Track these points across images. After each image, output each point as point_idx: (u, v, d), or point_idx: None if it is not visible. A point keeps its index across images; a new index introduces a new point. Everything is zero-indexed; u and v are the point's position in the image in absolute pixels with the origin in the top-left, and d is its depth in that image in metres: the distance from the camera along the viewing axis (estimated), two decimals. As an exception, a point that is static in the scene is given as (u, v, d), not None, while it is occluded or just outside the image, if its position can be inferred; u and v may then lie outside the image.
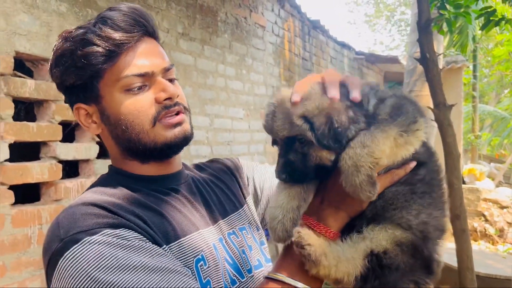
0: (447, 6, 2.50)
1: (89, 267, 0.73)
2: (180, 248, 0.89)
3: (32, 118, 2.42)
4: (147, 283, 0.73)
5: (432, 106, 2.57)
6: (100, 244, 0.75)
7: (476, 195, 7.49)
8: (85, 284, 0.72)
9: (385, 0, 24.31)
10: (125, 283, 0.72)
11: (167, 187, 0.99)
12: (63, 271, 0.74)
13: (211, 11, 3.90)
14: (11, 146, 2.20)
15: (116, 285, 0.72)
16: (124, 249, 0.76)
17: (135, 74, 0.91)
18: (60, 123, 2.46)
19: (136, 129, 0.93)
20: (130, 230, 0.80)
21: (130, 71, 0.91)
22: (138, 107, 0.92)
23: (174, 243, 0.89)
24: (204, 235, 0.95)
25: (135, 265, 0.74)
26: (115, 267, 0.73)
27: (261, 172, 1.24)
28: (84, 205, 0.83)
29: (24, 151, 2.50)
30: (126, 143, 0.96)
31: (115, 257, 0.74)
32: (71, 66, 0.92)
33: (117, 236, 0.77)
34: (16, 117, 2.26)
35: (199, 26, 3.71)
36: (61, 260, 0.75)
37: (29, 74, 2.40)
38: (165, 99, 0.93)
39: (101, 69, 0.91)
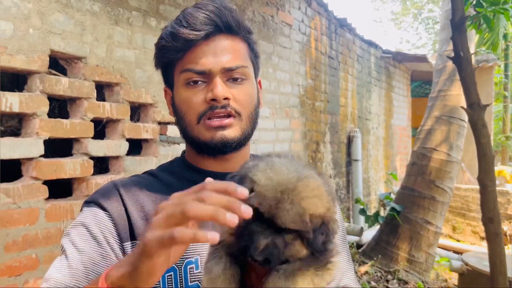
0: (483, 4, 2.42)
1: (69, 226, 0.95)
2: None
3: (65, 115, 2.48)
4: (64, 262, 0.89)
5: (464, 106, 2.50)
6: (83, 216, 0.95)
7: (506, 198, 7.27)
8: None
9: (412, -3, 23.85)
10: (64, 248, 0.91)
11: None
12: None
13: (238, 9, 3.90)
14: (45, 142, 2.26)
15: (62, 246, 0.93)
16: (85, 228, 0.92)
17: (192, 69, 0.96)
18: (91, 120, 2.51)
19: (186, 122, 0.99)
20: (109, 217, 0.93)
21: (189, 66, 0.96)
22: (189, 102, 0.97)
23: None
24: None
25: (74, 241, 0.91)
26: (70, 235, 0.92)
27: None
28: (110, 183, 1.01)
29: (56, 147, 2.57)
30: (181, 131, 1.04)
31: (77, 229, 0.93)
32: (155, 53, 1.03)
33: (95, 216, 0.93)
34: (51, 114, 2.32)
35: (227, 25, 3.72)
36: None
37: (63, 72, 2.46)
38: (211, 100, 0.95)
39: (172, 61, 0.99)
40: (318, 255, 0.74)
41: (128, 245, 0.93)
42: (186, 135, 1.01)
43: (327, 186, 0.78)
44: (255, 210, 0.71)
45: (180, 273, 0.91)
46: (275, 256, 0.71)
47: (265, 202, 0.71)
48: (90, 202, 0.96)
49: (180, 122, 1.01)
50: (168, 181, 1.02)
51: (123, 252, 0.93)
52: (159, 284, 0.90)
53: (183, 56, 0.96)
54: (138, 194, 0.97)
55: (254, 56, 1.05)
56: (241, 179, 0.76)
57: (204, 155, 1.02)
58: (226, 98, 0.95)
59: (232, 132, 0.96)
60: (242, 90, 0.98)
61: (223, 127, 0.95)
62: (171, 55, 0.97)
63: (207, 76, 0.95)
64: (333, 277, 0.79)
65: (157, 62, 1.04)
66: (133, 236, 0.93)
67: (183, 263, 0.91)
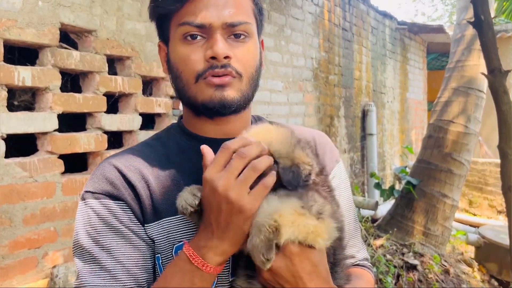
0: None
1: (79, 223, 0.90)
2: (173, 224, 0.89)
3: (78, 90, 2.47)
4: (91, 260, 0.86)
5: (485, 73, 2.42)
6: (94, 210, 0.88)
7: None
8: (74, 233, 0.91)
9: (428, -33, 23.08)
10: (85, 250, 0.87)
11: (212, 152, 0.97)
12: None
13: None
14: (58, 117, 2.26)
15: (81, 246, 0.88)
16: (104, 224, 0.87)
17: (190, 22, 0.88)
18: (104, 94, 2.50)
19: (183, 80, 0.92)
20: (124, 205, 0.88)
21: (188, 19, 0.88)
22: (187, 59, 0.90)
23: (169, 218, 0.89)
24: None
25: (98, 241, 0.86)
26: (89, 234, 0.87)
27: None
28: (107, 164, 0.92)
29: (70, 122, 2.58)
30: (177, 91, 0.96)
31: (93, 227, 0.88)
32: (150, 3, 0.95)
33: (109, 209, 0.88)
34: (63, 89, 2.32)
35: (238, -4, 3.64)
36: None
37: (74, 46, 2.44)
38: (211, 58, 0.88)
39: (168, 12, 0.91)
40: (289, 187, 0.81)
41: (149, 226, 0.89)
42: (182, 95, 0.94)
43: (296, 138, 0.88)
44: None
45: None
46: None
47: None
48: (96, 193, 0.89)
49: (176, 81, 0.94)
50: (166, 152, 0.97)
51: (147, 234, 0.89)
52: (172, 257, 0.89)
53: (181, 8, 0.88)
54: (141, 170, 0.91)
55: (259, 13, 0.97)
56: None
57: (202, 117, 0.96)
58: (227, 57, 0.88)
59: (231, 93, 0.90)
60: (244, 49, 0.91)
61: (222, 86, 0.89)
62: (168, 5, 0.89)
63: (206, 31, 0.88)
64: (319, 231, 0.79)
65: (151, 13, 0.96)
66: (145, 218, 0.89)
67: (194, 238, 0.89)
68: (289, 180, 0.80)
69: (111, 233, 0.86)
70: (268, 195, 0.79)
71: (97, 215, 0.87)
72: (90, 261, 0.85)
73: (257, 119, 1.09)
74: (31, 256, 2.14)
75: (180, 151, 0.97)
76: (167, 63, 0.97)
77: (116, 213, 0.88)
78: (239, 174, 0.76)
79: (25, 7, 2.09)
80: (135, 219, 0.88)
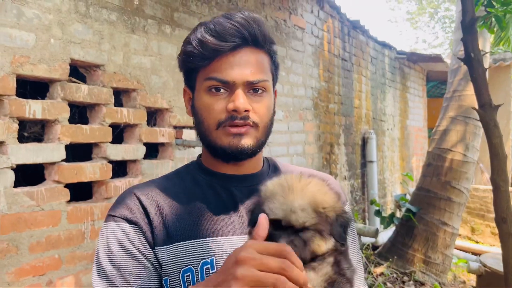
0: (494, 4, 2.43)
1: (100, 242, 1.01)
2: (181, 249, 0.98)
3: (85, 121, 2.58)
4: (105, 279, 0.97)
5: (475, 107, 2.51)
6: (112, 231, 1.00)
7: (526, 198, 7.14)
8: (95, 251, 1.02)
9: (428, -4, 23.58)
10: (101, 267, 0.98)
11: (225, 186, 1.07)
12: None
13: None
14: (66, 147, 2.36)
15: (99, 263, 0.98)
16: (118, 245, 0.99)
17: (216, 78, 1.00)
18: (110, 125, 2.60)
19: (204, 126, 1.04)
20: (137, 228, 1.00)
21: (214, 75, 1.00)
22: (211, 108, 1.01)
23: (178, 243, 0.98)
24: (222, 242, 0.99)
25: (111, 260, 0.97)
26: (105, 253, 0.99)
27: None
28: (129, 193, 1.05)
29: (76, 152, 2.67)
30: (198, 134, 1.09)
31: (109, 247, 0.99)
32: (181, 57, 1.08)
33: (124, 231, 1.00)
34: (71, 120, 2.42)
35: (240, 30, 3.78)
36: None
37: (83, 79, 2.56)
38: (232, 110, 0.99)
39: (197, 67, 1.03)
40: (341, 244, 0.83)
41: (159, 249, 0.98)
42: (203, 138, 1.06)
43: (329, 186, 0.91)
44: (278, 222, 0.82)
45: (197, 273, 0.96)
46: (296, 255, 0.76)
47: (281, 213, 0.82)
48: (116, 216, 1.01)
49: (199, 125, 1.06)
50: (182, 185, 1.08)
51: (156, 258, 0.98)
52: (180, 283, 0.96)
53: (209, 64, 1.01)
54: (156, 199, 1.03)
55: (275, 68, 1.10)
56: (258, 206, 0.90)
57: (219, 159, 1.07)
58: (246, 110, 1.00)
59: (248, 141, 1.01)
60: (261, 103, 1.03)
61: (240, 135, 1.01)
62: (197, 61, 1.02)
63: (229, 86, 1.00)
64: None
65: (181, 65, 1.09)
66: (155, 242, 0.99)
67: (199, 263, 0.97)
68: (340, 233, 0.83)
69: (123, 253, 0.97)
70: None
71: (114, 236, 0.99)
72: (104, 277, 0.97)
73: (269, 160, 1.19)
74: (36, 283, 2.19)
75: (195, 184, 1.08)
76: (191, 108, 1.10)
77: (129, 235, 0.99)
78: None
79: (37, 44, 2.21)
80: (146, 242, 0.99)
